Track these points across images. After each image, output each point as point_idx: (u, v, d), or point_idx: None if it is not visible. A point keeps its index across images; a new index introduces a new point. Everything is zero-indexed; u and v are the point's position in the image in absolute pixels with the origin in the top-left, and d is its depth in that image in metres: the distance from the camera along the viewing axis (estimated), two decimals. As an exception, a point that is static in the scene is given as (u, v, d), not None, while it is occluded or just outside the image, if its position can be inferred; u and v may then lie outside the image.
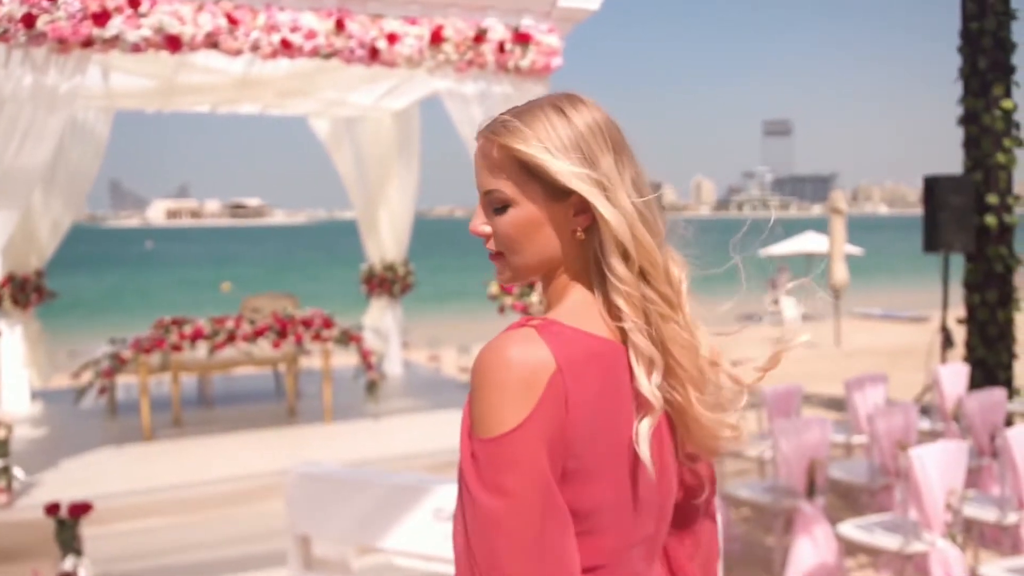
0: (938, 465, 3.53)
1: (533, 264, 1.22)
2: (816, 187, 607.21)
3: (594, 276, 1.21)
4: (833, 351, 14.27)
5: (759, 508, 4.61)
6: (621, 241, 1.17)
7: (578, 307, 1.20)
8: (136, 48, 5.14)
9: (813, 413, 7.45)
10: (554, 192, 1.18)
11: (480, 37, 6.00)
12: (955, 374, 5.91)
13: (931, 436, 5.60)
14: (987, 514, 4.02)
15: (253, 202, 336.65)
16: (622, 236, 1.16)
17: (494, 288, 6.57)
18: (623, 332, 1.18)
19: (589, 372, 1.12)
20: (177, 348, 6.85)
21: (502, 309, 6.54)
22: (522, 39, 6.10)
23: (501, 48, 6.06)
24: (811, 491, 4.29)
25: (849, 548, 4.29)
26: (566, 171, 1.16)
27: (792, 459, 4.21)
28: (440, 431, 7.27)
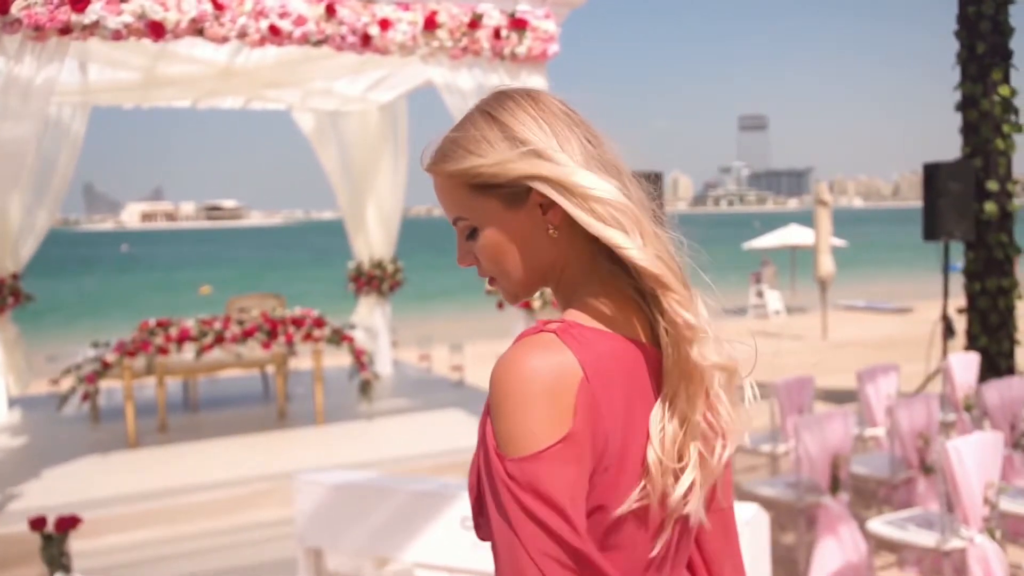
0: (975, 457, 3.38)
1: (525, 279, 1.15)
2: (791, 181, 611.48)
3: (601, 267, 1.12)
4: (820, 343, 14.19)
5: (777, 505, 4.44)
6: (594, 209, 1.05)
7: (592, 306, 1.10)
8: (117, 35, 4.88)
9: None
10: (511, 199, 1.10)
11: (475, 23, 5.80)
12: (966, 364, 5.78)
13: (944, 428, 5.47)
14: (1017, 506, 3.88)
15: (229, 204, 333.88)
16: (585, 206, 1.05)
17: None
18: (646, 326, 1.10)
19: (616, 377, 1.04)
20: (163, 351, 6.60)
21: (501, 304, 6.33)
22: (518, 25, 5.90)
23: (497, 34, 5.86)
24: (835, 487, 4.13)
25: (873, 545, 4.14)
26: (501, 162, 1.07)
27: (815, 454, 4.05)
28: (437, 432, 7.07)
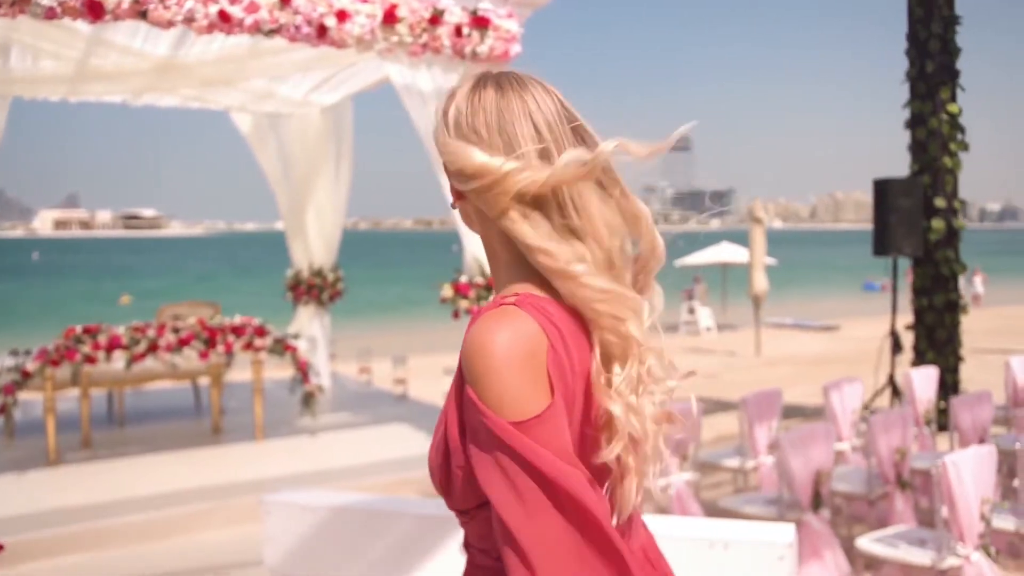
0: (972, 472, 3.27)
1: (488, 257, 1.24)
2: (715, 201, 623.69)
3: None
4: (754, 360, 14.27)
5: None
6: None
7: (535, 276, 1.15)
8: (51, 14, 4.48)
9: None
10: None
11: (436, 19, 5.55)
12: (926, 379, 5.76)
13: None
14: (1005, 523, 3.80)
15: (148, 213, 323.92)
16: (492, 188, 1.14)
17: (447, 290, 6.09)
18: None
19: (569, 341, 1.10)
20: (91, 360, 6.12)
21: (457, 314, 6.07)
22: (480, 23, 5.68)
23: (458, 32, 5.62)
24: (817, 503, 3.99)
25: (852, 562, 4.01)
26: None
27: (797, 470, 3.90)
28: (385, 447, 6.74)
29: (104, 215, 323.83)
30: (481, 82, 1.20)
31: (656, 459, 1.15)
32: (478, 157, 1.13)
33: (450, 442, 1.12)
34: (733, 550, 2.06)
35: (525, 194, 1.12)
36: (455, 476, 1.13)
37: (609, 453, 1.08)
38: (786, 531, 2.13)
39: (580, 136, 1.17)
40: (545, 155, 1.14)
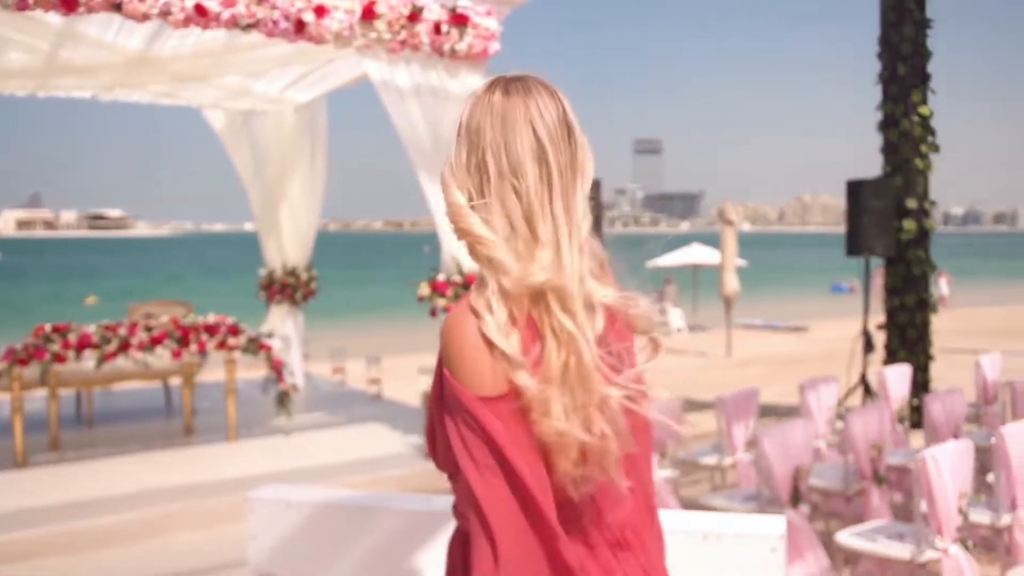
0: (951, 466, 3.31)
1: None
2: (684, 204, 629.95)
3: None
4: (725, 360, 14.37)
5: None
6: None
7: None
8: (23, 5, 4.40)
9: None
10: None
11: (415, 16, 5.52)
12: (900, 376, 5.82)
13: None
14: (980, 517, 3.84)
15: (114, 213, 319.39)
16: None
17: (424, 289, 6.06)
18: None
19: (527, 328, 1.23)
20: (60, 358, 6.00)
21: (434, 312, 6.04)
22: (459, 20, 5.66)
23: (437, 29, 5.60)
24: (796, 499, 4.01)
25: (831, 557, 4.04)
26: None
27: (777, 465, 3.92)
28: (361, 446, 6.69)
29: (69, 215, 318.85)
30: (493, 85, 1.32)
31: (619, 442, 1.22)
32: (453, 197, 1.28)
33: (433, 412, 1.31)
34: (726, 542, 2.07)
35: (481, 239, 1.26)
36: (438, 442, 1.31)
37: (550, 431, 1.18)
38: (778, 523, 2.14)
39: (573, 144, 1.29)
40: (541, 159, 1.26)
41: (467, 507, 1.20)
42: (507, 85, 1.30)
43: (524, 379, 1.18)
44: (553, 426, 1.18)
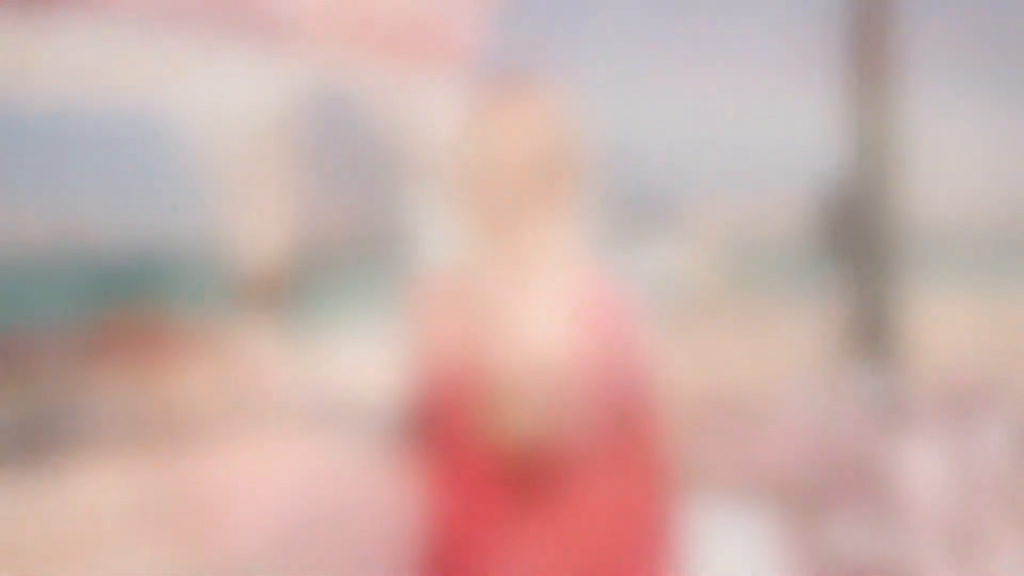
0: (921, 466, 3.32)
1: None
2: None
3: None
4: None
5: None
6: None
7: None
8: None
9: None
10: None
11: (386, 14, 5.57)
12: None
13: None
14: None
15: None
16: None
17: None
18: None
19: None
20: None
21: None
22: (432, 19, 5.73)
23: (408, 28, 5.66)
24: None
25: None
26: None
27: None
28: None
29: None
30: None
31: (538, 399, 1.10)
32: None
33: None
34: (718, 535, 2.06)
35: None
36: None
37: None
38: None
39: None
40: None
41: None
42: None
43: None
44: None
